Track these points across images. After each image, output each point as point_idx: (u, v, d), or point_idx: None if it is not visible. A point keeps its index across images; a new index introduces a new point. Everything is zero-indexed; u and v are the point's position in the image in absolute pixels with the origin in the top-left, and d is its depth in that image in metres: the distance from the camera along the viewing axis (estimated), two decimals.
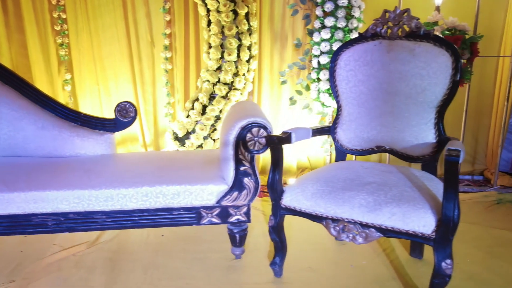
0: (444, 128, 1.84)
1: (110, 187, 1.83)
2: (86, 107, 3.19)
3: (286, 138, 1.74)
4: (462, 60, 2.55)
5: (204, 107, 2.89)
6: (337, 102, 2.10)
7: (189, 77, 3.18)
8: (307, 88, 3.16)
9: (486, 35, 3.12)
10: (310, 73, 3.09)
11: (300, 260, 2.04)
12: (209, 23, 2.80)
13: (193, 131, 2.93)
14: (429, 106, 1.83)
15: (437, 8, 2.78)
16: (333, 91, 2.10)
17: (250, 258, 2.06)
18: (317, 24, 2.97)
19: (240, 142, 1.85)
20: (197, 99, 2.92)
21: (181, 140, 2.96)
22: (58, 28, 2.98)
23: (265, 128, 1.85)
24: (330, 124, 2.14)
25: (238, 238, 2.00)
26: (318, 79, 3.00)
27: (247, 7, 2.79)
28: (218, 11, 2.72)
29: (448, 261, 1.42)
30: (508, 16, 3.08)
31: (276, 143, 1.68)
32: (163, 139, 3.28)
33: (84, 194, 1.80)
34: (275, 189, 1.74)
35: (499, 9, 3.10)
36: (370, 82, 1.96)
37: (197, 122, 2.91)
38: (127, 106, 2.46)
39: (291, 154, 3.32)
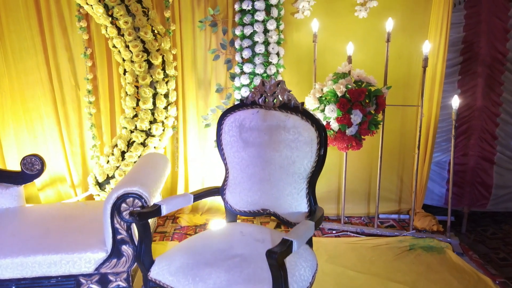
0: (315, 198, 1.88)
1: None
2: (12, 149, 3.21)
3: (151, 212, 1.76)
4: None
5: (123, 153, 2.92)
6: (225, 164, 2.13)
7: (115, 120, 3.21)
8: None
9: (404, 82, 3.19)
10: None
11: None
12: (125, 71, 2.83)
13: (113, 176, 2.96)
14: (300, 177, 1.87)
15: (349, 58, 2.82)
16: (221, 154, 2.13)
17: None
18: (237, 70, 3.01)
19: (115, 212, 1.89)
20: (116, 145, 2.95)
21: (101, 185, 2.98)
22: None
23: (140, 198, 1.88)
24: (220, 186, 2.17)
25: None
26: None
27: (162, 56, 2.82)
28: (132, 61, 2.75)
29: None
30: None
31: (137, 220, 1.70)
32: None
33: None
34: (142, 262, 1.77)
35: (417, 56, 3.15)
36: (249, 149, 2.00)
37: (117, 167, 2.94)
38: (33, 159, 2.48)
39: None
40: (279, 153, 1.90)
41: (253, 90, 1.99)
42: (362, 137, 2.72)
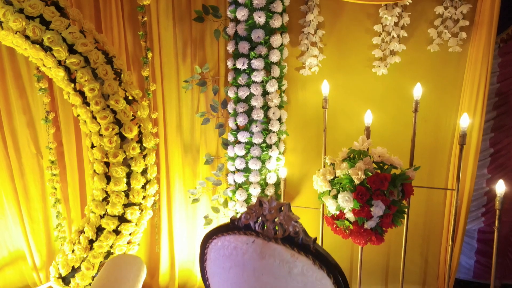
0: None
1: None
2: None
3: None
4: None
5: (92, 241, 2.40)
6: None
7: (85, 193, 2.70)
8: (225, 204, 2.68)
9: (431, 149, 2.68)
10: (227, 188, 2.61)
11: None
12: (92, 145, 2.32)
13: (79, 267, 2.43)
14: None
15: (367, 131, 2.30)
16: (205, 285, 1.61)
17: None
18: (231, 137, 2.50)
19: None
20: (83, 231, 2.43)
21: (65, 279, 2.46)
22: None
23: None
24: None
25: None
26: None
27: (139, 126, 2.31)
28: (100, 135, 2.24)
29: None
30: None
31: None
32: None
33: None
34: None
35: (446, 119, 2.63)
36: None
37: (84, 258, 2.42)
38: None
39: None
40: None
41: (247, 209, 1.47)
42: (384, 229, 2.20)
